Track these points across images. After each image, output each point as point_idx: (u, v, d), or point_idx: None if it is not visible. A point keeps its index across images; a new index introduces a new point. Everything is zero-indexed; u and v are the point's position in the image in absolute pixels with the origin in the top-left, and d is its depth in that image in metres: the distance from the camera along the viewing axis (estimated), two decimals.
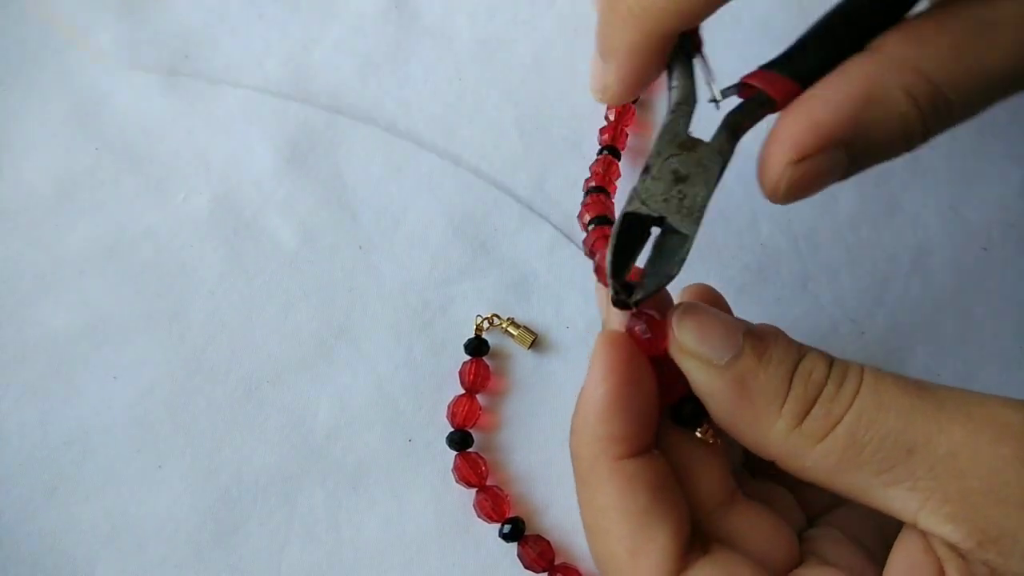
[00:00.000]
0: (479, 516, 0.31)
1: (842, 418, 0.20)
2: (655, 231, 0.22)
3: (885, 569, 0.21)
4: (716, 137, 0.22)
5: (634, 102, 0.35)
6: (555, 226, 0.34)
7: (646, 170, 0.22)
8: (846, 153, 0.22)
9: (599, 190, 0.32)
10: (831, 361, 0.21)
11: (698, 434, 0.23)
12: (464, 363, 0.32)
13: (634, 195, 0.22)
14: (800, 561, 0.23)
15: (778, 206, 0.34)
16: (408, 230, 0.34)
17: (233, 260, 0.34)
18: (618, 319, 0.23)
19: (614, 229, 0.22)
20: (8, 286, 0.33)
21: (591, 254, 0.28)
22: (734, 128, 0.23)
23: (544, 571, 0.30)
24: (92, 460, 0.32)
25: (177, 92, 0.36)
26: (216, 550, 0.31)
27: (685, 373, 0.22)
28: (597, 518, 0.22)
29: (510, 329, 0.33)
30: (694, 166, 0.22)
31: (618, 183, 0.34)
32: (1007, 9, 0.21)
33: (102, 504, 0.31)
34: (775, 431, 0.21)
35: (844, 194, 0.34)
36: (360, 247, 0.34)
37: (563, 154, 0.35)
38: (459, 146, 0.35)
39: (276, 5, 0.36)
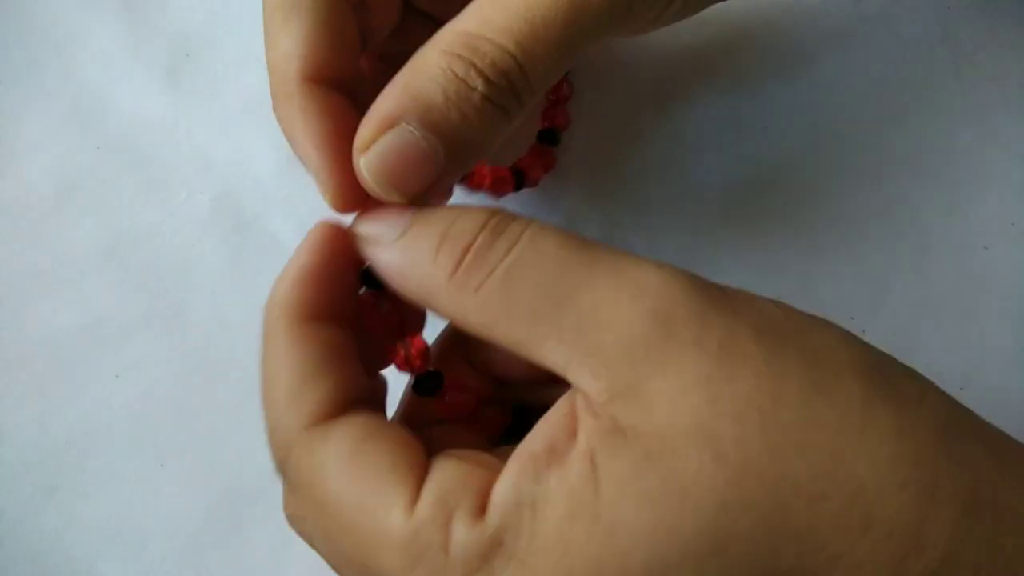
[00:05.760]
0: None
1: (496, 268, 0.20)
2: None
3: (530, 432, 0.21)
4: None
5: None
6: (555, 226, 0.34)
7: None
8: (421, 127, 0.22)
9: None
10: (494, 213, 0.21)
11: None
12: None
13: None
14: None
15: (778, 205, 0.34)
16: None
17: (234, 259, 0.34)
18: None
19: None
20: (9, 285, 0.33)
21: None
22: None
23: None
24: (93, 459, 0.32)
25: (178, 91, 0.36)
26: (218, 549, 0.31)
27: (368, 259, 0.23)
28: (268, 370, 0.22)
29: None
30: None
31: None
32: None
33: (103, 503, 0.31)
34: (436, 285, 0.21)
35: (844, 192, 0.34)
36: None
37: (563, 154, 0.35)
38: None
39: None
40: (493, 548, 0.19)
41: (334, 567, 0.22)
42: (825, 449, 0.18)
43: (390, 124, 0.22)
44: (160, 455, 0.32)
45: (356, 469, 0.20)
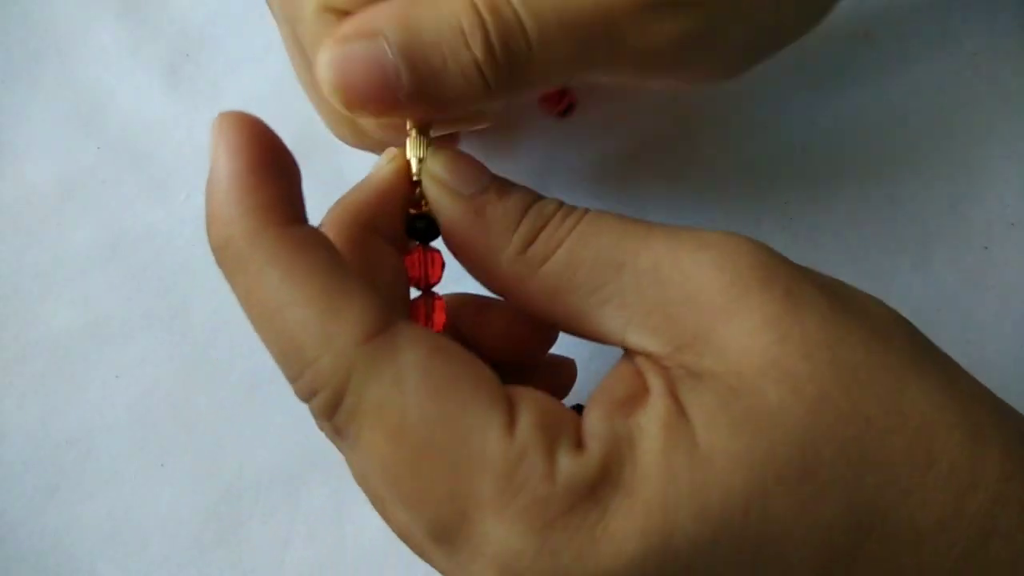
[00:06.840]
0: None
1: (563, 241, 0.21)
2: None
3: (596, 389, 0.21)
4: None
5: None
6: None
7: None
8: (398, 52, 0.20)
9: None
10: (561, 201, 0.22)
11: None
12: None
13: None
14: None
15: (778, 203, 0.34)
16: None
17: None
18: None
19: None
20: (10, 285, 0.33)
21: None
22: None
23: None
24: (94, 459, 0.32)
25: (178, 91, 0.36)
26: (218, 548, 0.31)
27: (431, 200, 0.22)
28: (273, 298, 0.18)
29: None
30: None
31: None
32: None
33: (104, 503, 0.31)
34: (504, 257, 0.21)
35: (844, 192, 0.34)
36: None
37: (565, 148, 0.35)
38: (459, 145, 0.35)
39: None
40: (601, 478, 0.18)
41: (404, 503, 0.19)
42: (890, 387, 0.19)
43: (370, 33, 0.20)
44: (160, 455, 0.32)
45: (439, 383, 0.18)
